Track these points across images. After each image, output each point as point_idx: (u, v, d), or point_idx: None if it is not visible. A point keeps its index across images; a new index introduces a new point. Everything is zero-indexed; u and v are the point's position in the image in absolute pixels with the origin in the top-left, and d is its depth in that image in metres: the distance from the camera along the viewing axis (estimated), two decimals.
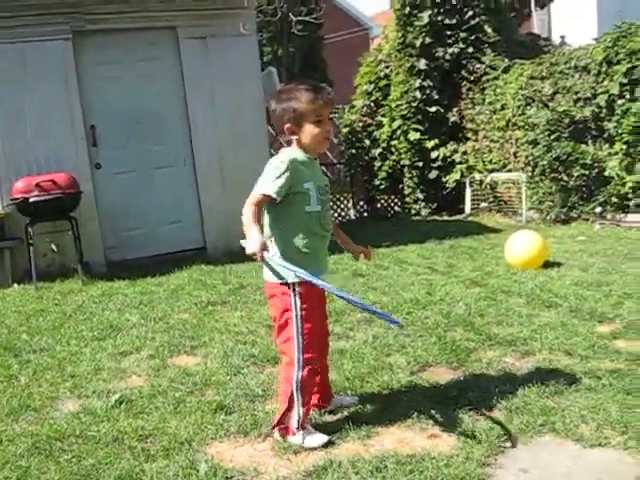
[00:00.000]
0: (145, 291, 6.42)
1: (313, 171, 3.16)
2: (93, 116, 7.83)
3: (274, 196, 3.00)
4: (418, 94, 11.37)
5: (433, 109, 11.38)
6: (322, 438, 3.05)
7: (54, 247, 7.51)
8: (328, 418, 3.31)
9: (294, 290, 3.05)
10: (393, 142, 12.09)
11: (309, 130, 3.09)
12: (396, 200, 12.59)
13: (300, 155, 3.11)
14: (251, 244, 2.88)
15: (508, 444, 2.95)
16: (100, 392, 3.84)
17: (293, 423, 3.07)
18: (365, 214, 12.66)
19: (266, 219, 3.13)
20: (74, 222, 7.20)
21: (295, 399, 3.07)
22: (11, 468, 2.96)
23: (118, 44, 7.89)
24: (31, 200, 6.90)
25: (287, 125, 3.10)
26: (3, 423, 3.48)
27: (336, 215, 12.04)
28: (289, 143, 3.19)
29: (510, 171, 10.42)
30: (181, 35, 8.07)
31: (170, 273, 7.14)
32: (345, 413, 3.34)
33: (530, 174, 9.89)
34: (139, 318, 5.43)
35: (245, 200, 3.04)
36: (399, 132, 11.81)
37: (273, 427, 3.15)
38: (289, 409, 3.09)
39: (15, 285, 7.05)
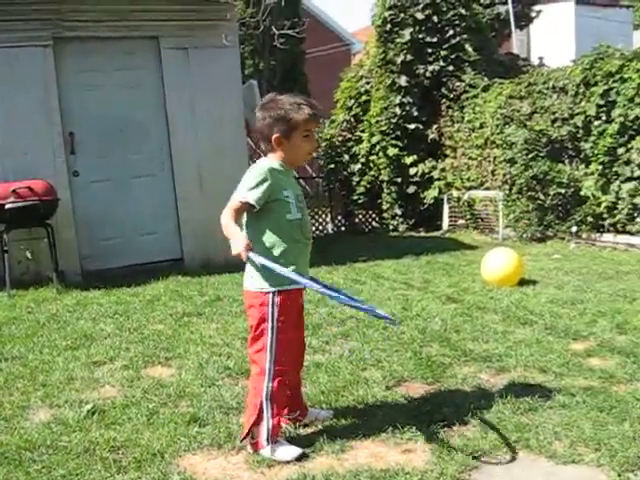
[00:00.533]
0: (120, 301, 6.36)
1: (290, 180, 3.18)
2: (72, 123, 7.77)
3: (253, 203, 3.00)
4: (398, 110, 11.44)
5: (412, 126, 11.45)
6: (295, 451, 3.03)
7: (29, 254, 7.41)
8: (302, 432, 3.30)
9: (272, 301, 3.04)
10: (372, 157, 12.15)
11: (297, 144, 3.10)
12: (374, 215, 12.63)
13: (277, 164, 3.12)
14: (236, 243, 2.88)
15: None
16: (72, 402, 3.79)
17: (263, 436, 3.05)
18: (343, 228, 12.68)
19: (244, 230, 3.12)
20: (50, 230, 7.12)
21: (264, 410, 3.05)
22: None
23: (99, 52, 7.85)
24: (7, 207, 6.81)
25: (276, 135, 3.09)
26: None
27: (314, 229, 12.04)
28: (268, 153, 3.18)
29: (488, 189, 10.50)
30: (163, 45, 8.06)
31: (146, 283, 7.08)
32: (320, 427, 3.33)
33: (507, 192, 9.98)
34: (114, 328, 5.39)
35: (222, 212, 3.03)
36: (378, 148, 11.87)
37: (242, 439, 3.13)
38: (258, 420, 3.06)
39: None
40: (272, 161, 3.13)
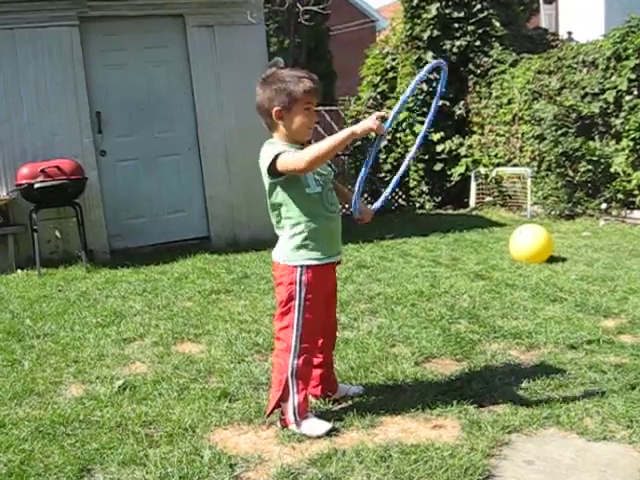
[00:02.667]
0: (149, 279, 6.42)
1: None
2: (98, 103, 7.81)
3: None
4: (425, 87, 11.34)
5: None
6: (324, 426, 3.03)
7: (58, 234, 7.50)
8: (332, 407, 3.30)
9: (300, 279, 3.04)
10: (398, 134, 12.07)
11: (298, 117, 3.06)
12: (400, 193, 12.57)
13: (286, 146, 3.06)
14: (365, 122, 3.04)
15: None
16: (104, 378, 3.83)
17: (290, 412, 3.05)
18: (369, 206, 12.61)
19: (280, 203, 3.10)
20: (78, 209, 7.18)
21: (290, 386, 3.05)
22: (14, 451, 2.95)
23: (125, 31, 7.87)
24: (36, 186, 6.88)
25: (277, 108, 3.04)
26: (7, 407, 3.48)
27: (340, 207, 11.97)
28: (272, 128, 3.13)
29: (516, 165, 10.40)
30: (188, 23, 8.04)
31: (174, 261, 7.14)
32: (349, 402, 3.33)
33: (536, 169, 9.87)
34: (143, 305, 5.43)
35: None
36: (405, 124, 11.79)
37: (268, 414, 3.15)
38: (284, 397, 3.07)
39: (19, 271, 7.04)
40: (279, 141, 3.10)
